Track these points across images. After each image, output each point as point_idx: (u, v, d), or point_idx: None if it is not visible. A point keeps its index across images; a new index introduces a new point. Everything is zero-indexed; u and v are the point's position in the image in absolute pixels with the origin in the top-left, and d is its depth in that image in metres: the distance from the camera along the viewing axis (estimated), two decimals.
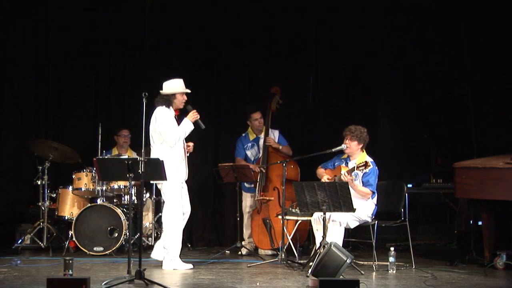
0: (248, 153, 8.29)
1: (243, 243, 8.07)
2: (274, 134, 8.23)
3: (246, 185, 8.20)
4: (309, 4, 9.05)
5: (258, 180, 7.97)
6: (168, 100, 6.79)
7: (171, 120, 6.74)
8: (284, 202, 7.11)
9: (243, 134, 8.38)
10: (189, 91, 6.93)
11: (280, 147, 8.14)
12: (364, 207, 6.80)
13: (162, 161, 6.06)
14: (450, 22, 8.71)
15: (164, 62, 9.13)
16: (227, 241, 8.76)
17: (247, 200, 8.25)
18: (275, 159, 7.83)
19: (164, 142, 6.73)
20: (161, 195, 8.28)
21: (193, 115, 6.83)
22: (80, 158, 8.27)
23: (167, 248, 6.68)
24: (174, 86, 6.85)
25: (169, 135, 6.67)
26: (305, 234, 7.79)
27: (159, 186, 7.00)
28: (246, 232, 8.20)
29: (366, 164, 6.58)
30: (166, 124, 6.70)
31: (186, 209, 7.01)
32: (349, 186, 6.49)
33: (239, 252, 7.97)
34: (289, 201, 7.36)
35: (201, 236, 8.98)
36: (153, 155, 6.78)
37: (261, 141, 8.25)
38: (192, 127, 6.85)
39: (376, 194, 6.89)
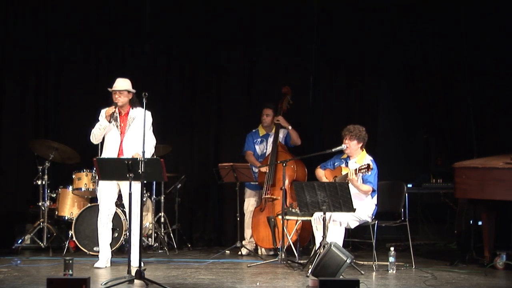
0: (257, 147, 8.31)
1: (243, 242, 8.07)
2: (284, 133, 8.25)
3: (252, 182, 8.19)
4: (309, 4, 9.06)
5: (265, 178, 7.96)
6: (110, 100, 6.94)
7: (99, 120, 6.92)
8: (284, 202, 7.10)
9: (254, 130, 8.40)
10: (117, 89, 6.88)
11: (290, 127, 8.14)
12: (364, 207, 6.80)
13: (162, 161, 6.05)
14: (450, 22, 8.71)
15: (164, 62, 9.16)
16: (227, 241, 8.77)
17: (251, 199, 8.24)
18: (283, 158, 7.79)
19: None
20: (161, 195, 8.35)
21: (106, 111, 6.86)
22: (79, 159, 8.29)
23: None
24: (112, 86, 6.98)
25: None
26: (308, 235, 7.77)
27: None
28: (247, 232, 8.19)
29: (368, 167, 6.57)
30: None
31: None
32: (351, 185, 6.50)
33: (239, 252, 7.97)
34: (294, 201, 7.34)
35: (201, 236, 9.00)
36: None
37: (270, 139, 8.24)
38: (102, 124, 6.85)
39: (376, 192, 6.90)
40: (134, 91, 6.96)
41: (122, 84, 6.94)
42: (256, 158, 8.25)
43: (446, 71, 8.81)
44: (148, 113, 6.86)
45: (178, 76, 9.18)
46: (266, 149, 8.24)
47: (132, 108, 6.96)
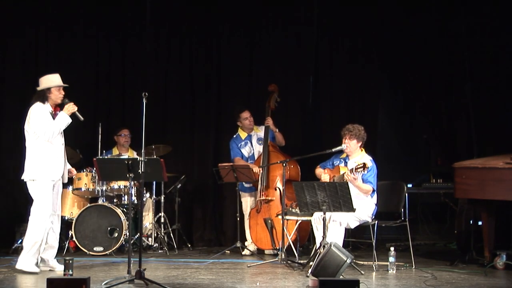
0: (243, 151, 8.30)
1: (246, 243, 8.07)
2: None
3: (246, 185, 8.19)
4: (309, 3, 9.08)
5: (259, 180, 7.96)
6: (43, 96, 6.61)
7: (44, 115, 6.54)
8: (284, 202, 7.10)
9: (234, 136, 8.37)
10: (64, 85, 6.67)
11: (277, 130, 8.13)
12: (364, 207, 6.80)
13: (162, 161, 6.05)
14: (450, 22, 8.71)
15: (164, 62, 9.16)
16: (227, 241, 8.77)
17: (247, 200, 8.23)
18: (276, 158, 7.81)
19: (38, 138, 6.53)
20: (161, 195, 8.35)
21: (69, 108, 6.60)
22: (80, 159, 8.29)
23: (24, 246, 6.55)
24: (49, 81, 6.64)
25: (42, 131, 6.49)
26: (306, 234, 7.77)
27: (28, 184, 6.60)
28: (248, 233, 8.18)
29: (364, 166, 6.56)
30: (38, 120, 6.50)
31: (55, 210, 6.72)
32: (351, 185, 6.51)
33: (243, 252, 7.96)
34: (291, 201, 7.35)
35: (201, 236, 8.99)
36: (27, 152, 6.59)
37: (254, 138, 8.24)
38: (68, 120, 6.59)
39: (376, 192, 6.90)
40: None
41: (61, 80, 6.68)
42: (245, 161, 8.24)
43: (446, 71, 8.81)
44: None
45: (178, 76, 9.19)
46: (252, 150, 8.24)
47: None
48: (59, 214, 6.76)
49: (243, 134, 8.33)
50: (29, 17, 8.91)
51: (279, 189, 7.83)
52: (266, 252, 7.93)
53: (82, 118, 6.71)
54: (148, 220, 8.35)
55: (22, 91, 8.91)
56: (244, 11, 9.05)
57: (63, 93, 6.68)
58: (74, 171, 6.96)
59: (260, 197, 7.95)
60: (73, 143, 8.44)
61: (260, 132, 8.21)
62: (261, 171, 7.94)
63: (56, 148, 6.60)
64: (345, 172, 6.75)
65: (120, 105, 9.13)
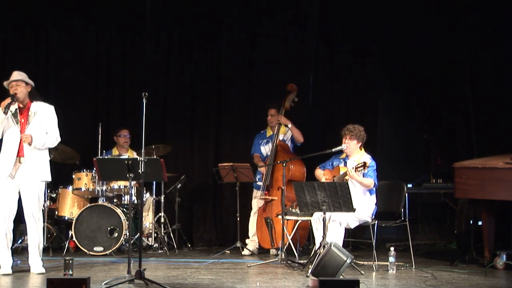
0: (262, 148, 8.29)
1: (246, 241, 8.07)
2: (289, 134, 8.21)
3: (258, 183, 8.18)
4: (309, 2, 9.08)
5: (263, 179, 7.96)
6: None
7: None
8: (284, 202, 7.10)
9: (262, 131, 8.37)
10: (13, 78, 6.46)
11: (290, 125, 8.09)
12: (364, 207, 6.80)
13: (162, 161, 6.05)
14: (450, 22, 8.71)
15: (164, 61, 9.16)
16: (227, 241, 8.77)
17: (257, 198, 8.21)
18: (281, 158, 7.77)
19: None
20: (161, 195, 8.35)
21: (2, 103, 6.36)
22: (79, 159, 8.29)
23: None
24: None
25: None
26: (305, 233, 7.76)
27: None
28: (251, 230, 8.18)
29: (364, 165, 6.58)
30: None
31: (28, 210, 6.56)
32: (352, 182, 6.50)
33: (243, 252, 7.96)
34: (291, 202, 7.34)
35: (201, 236, 9.00)
36: None
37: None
38: (1, 115, 6.38)
39: (375, 191, 6.90)
40: (32, 83, 6.58)
41: (18, 75, 6.54)
42: (262, 159, 8.23)
43: (446, 71, 8.81)
44: (51, 107, 6.58)
45: (178, 76, 9.19)
46: (272, 150, 8.23)
47: (33, 102, 6.50)
48: (29, 215, 6.55)
49: (268, 132, 8.31)
50: (29, 17, 8.93)
51: (281, 189, 7.81)
52: (272, 251, 7.90)
53: (4, 116, 6.42)
54: (148, 220, 8.35)
55: None
56: (244, 11, 9.07)
57: (15, 88, 6.45)
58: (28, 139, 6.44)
59: (261, 196, 7.95)
60: (73, 143, 8.47)
61: (285, 134, 8.17)
62: (265, 170, 7.93)
63: (8, 148, 6.43)
64: (346, 171, 6.76)
65: (120, 105, 9.13)
